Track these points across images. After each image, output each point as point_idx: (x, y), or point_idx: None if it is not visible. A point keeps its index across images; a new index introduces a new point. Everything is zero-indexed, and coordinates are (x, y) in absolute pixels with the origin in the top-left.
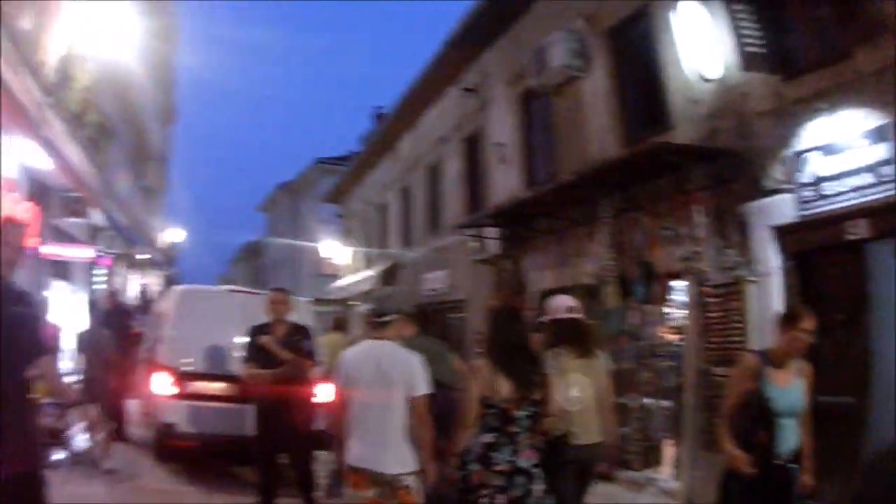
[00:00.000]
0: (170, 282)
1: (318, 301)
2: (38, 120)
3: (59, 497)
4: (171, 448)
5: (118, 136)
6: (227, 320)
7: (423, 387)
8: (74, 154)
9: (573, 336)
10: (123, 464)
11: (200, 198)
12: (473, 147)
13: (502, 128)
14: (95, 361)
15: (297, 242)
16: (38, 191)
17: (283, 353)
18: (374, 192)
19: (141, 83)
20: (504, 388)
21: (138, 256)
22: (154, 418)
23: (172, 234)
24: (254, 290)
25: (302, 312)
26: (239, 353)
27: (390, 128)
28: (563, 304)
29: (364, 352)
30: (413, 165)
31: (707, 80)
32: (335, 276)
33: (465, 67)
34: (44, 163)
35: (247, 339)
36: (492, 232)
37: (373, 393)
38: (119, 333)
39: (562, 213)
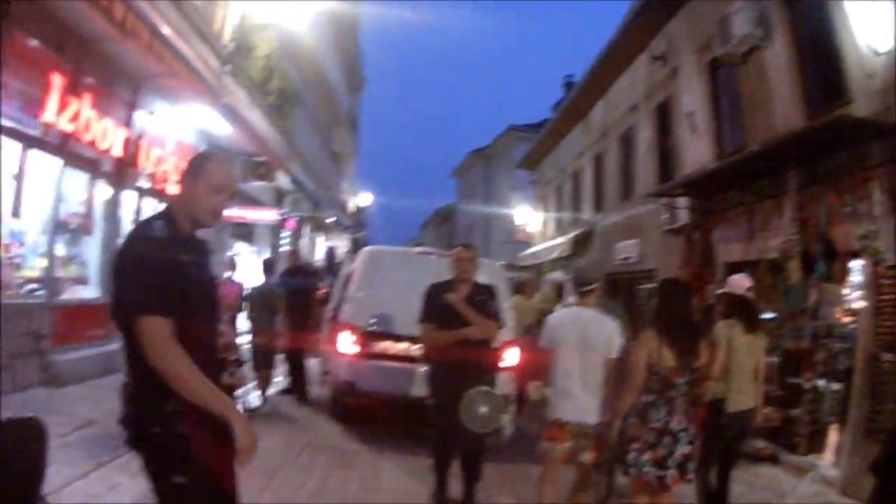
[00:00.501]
0: (357, 245)
1: (510, 267)
2: (217, 88)
3: None
4: (348, 406)
5: (303, 102)
6: (414, 282)
7: (616, 351)
8: (257, 120)
9: (745, 312)
10: (300, 419)
11: (392, 163)
12: (664, 116)
13: (691, 97)
14: (265, 317)
15: (490, 209)
16: (225, 155)
17: (468, 313)
18: (567, 160)
19: (324, 49)
20: (668, 357)
21: (326, 220)
22: (335, 376)
23: (361, 199)
24: (444, 252)
25: (492, 275)
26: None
27: (582, 96)
28: (742, 284)
29: (569, 317)
30: (605, 133)
31: (879, 54)
32: (527, 244)
33: (653, 35)
34: (224, 128)
35: (426, 298)
36: (682, 202)
37: (577, 354)
38: (302, 292)
39: (749, 185)
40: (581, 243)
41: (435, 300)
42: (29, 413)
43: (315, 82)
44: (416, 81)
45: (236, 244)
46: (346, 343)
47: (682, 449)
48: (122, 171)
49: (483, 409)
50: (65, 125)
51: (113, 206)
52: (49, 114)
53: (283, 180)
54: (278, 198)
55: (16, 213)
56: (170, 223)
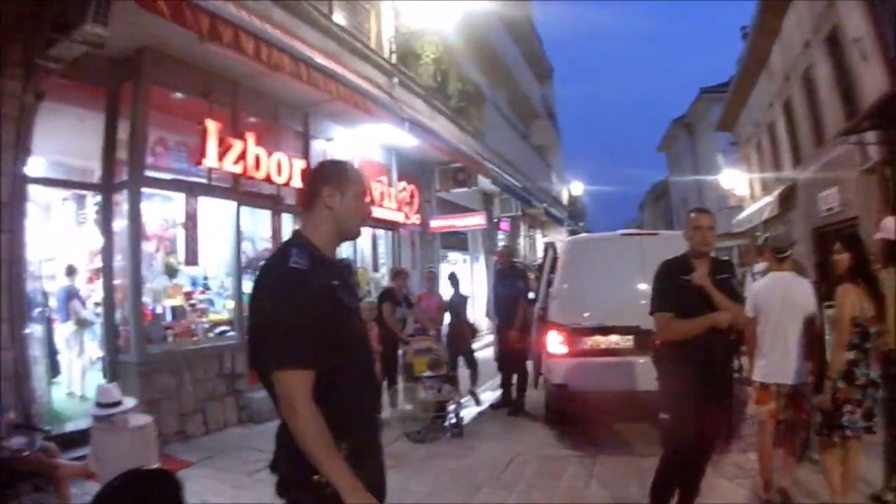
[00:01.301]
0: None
1: (727, 235)
2: (388, 102)
3: (434, 469)
4: (562, 410)
5: (490, 101)
6: (620, 267)
7: (814, 310)
8: (443, 126)
9: None
10: (513, 429)
11: (599, 148)
12: (835, 47)
13: (854, 20)
14: (456, 328)
15: (699, 177)
16: (413, 168)
17: (718, 295)
18: (758, 113)
19: (502, 46)
20: (867, 307)
21: (540, 215)
22: (547, 380)
23: (573, 188)
24: (649, 231)
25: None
26: (635, 301)
27: (758, 42)
28: (891, 227)
29: (771, 283)
30: (787, 77)
31: None
32: (739, 208)
33: None
34: (408, 140)
35: (658, 280)
36: (871, 136)
37: (779, 319)
38: (514, 294)
39: None
40: (787, 199)
41: (669, 282)
42: (224, 450)
43: (500, 79)
44: (601, 63)
45: (449, 254)
46: (555, 343)
47: (880, 393)
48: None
49: None
50: (230, 167)
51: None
52: (210, 159)
53: (485, 183)
54: (486, 201)
55: (190, 262)
56: (307, 249)
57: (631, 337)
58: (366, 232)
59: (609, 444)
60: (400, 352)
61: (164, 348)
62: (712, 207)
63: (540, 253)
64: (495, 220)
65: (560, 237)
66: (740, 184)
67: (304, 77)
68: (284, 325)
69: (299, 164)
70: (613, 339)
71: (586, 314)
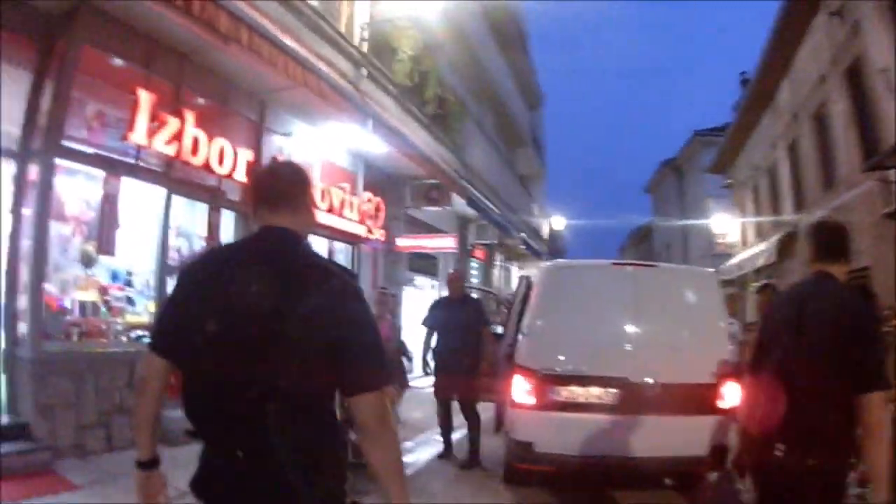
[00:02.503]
0: None
1: None
2: (353, 95)
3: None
4: (523, 472)
5: (474, 117)
6: (608, 304)
7: None
8: (416, 134)
9: None
10: (465, 485)
11: (582, 183)
12: (856, 80)
13: (881, 50)
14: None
15: (686, 221)
16: (382, 180)
17: None
18: (759, 155)
19: (493, 64)
20: None
21: (517, 247)
22: (508, 433)
23: (554, 222)
24: (645, 263)
25: (706, 287)
26: (623, 346)
27: (764, 77)
28: None
29: None
30: (796, 116)
31: None
32: (728, 255)
33: None
34: (376, 146)
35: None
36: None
37: None
38: (463, 322)
39: None
40: (786, 247)
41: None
42: (124, 473)
43: (486, 98)
44: (593, 97)
45: (416, 278)
46: (521, 391)
47: None
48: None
49: None
50: (161, 146)
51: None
52: (138, 134)
53: (461, 205)
54: (461, 226)
55: (104, 250)
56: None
57: (615, 391)
58: (322, 243)
59: None
60: None
61: (65, 347)
62: (699, 254)
63: (513, 286)
64: (469, 246)
65: (537, 272)
66: (732, 229)
67: (264, 55)
68: (377, 343)
69: (246, 156)
70: (594, 392)
71: (561, 358)
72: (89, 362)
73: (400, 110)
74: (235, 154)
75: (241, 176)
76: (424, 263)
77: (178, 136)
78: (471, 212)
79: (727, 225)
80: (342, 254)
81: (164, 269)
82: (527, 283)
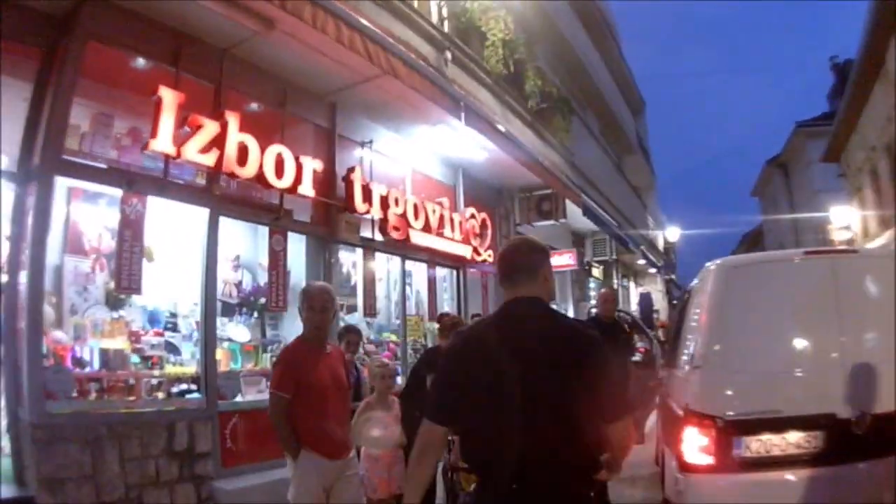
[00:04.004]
0: (671, 288)
1: None
2: (446, 85)
3: None
4: None
5: (580, 118)
6: (804, 310)
7: None
8: (524, 134)
9: None
10: None
11: (687, 192)
12: None
13: None
14: None
15: (798, 216)
16: (485, 194)
17: None
18: (874, 133)
19: (589, 59)
20: None
21: (637, 261)
22: None
23: (669, 234)
24: (844, 248)
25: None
26: (826, 369)
27: (873, 37)
28: None
29: None
30: None
31: None
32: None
33: None
34: (476, 152)
35: None
36: None
37: None
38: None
39: None
40: None
41: None
42: None
43: (589, 100)
44: (689, 102)
45: None
46: (694, 448)
47: None
48: (327, 218)
49: None
50: (196, 155)
51: (319, 265)
52: (162, 141)
53: (574, 219)
54: (575, 242)
55: (124, 287)
56: None
57: (819, 434)
58: (421, 269)
59: None
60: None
61: (77, 407)
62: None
63: (634, 306)
64: (586, 264)
65: (656, 287)
66: (850, 220)
67: (327, 33)
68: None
69: (313, 165)
70: (793, 440)
71: (747, 395)
72: (111, 425)
73: (498, 103)
74: (299, 164)
75: (307, 190)
76: None
77: (218, 143)
78: (586, 226)
79: (844, 216)
80: (446, 281)
81: (211, 307)
82: (685, 296)
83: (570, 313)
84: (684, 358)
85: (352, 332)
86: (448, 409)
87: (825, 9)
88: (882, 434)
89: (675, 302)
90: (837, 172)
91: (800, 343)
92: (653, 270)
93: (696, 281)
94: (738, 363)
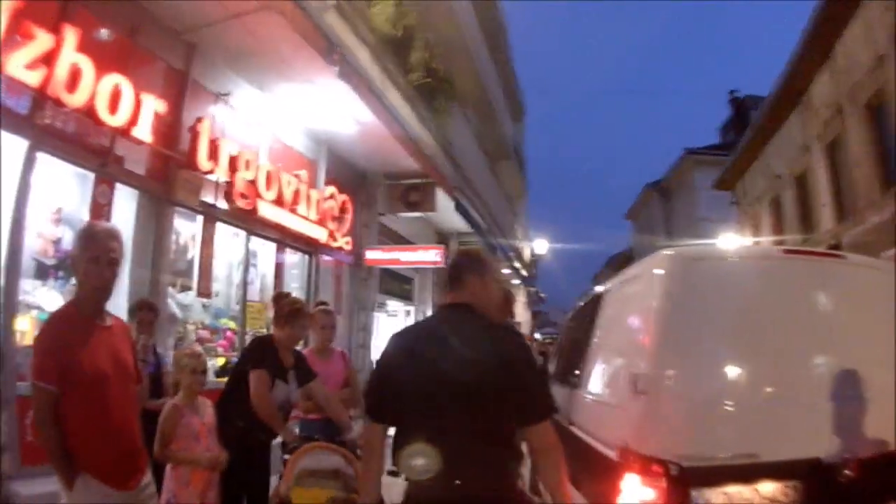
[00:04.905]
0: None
1: None
2: (311, 29)
3: None
4: None
5: (463, 105)
6: (783, 323)
7: None
8: (402, 109)
9: None
10: None
11: (557, 208)
12: None
13: None
14: None
15: (677, 244)
16: (349, 177)
17: None
18: (781, 163)
19: (478, 51)
20: None
21: (503, 270)
22: None
23: (537, 246)
24: (824, 251)
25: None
26: (811, 398)
27: (796, 71)
28: None
29: None
30: (840, 110)
31: None
32: None
33: None
34: (345, 124)
35: None
36: None
37: None
38: None
39: None
40: None
41: None
42: None
43: (473, 94)
44: (572, 117)
45: (389, 302)
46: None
47: None
48: (165, 174)
49: None
50: (19, 72)
51: (151, 230)
52: None
53: (442, 216)
54: (439, 242)
55: None
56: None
57: (796, 484)
58: (270, 251)
59: None
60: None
61: None
62: None
63: None
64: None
65: (520, 299)
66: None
67: None
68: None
69: (155, 106)
70: (767, 493)
71: (711, 433)
72: None
73: (378, 69)
74: (138, 100)
75: (144, 133)
76: (397, 284)
77: (48, 60)
78: (452, 226)
79: (733, 244)
80: (297, 268)
81: (13, 264)
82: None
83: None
84: (599, 379)
85: (146, 309)
86: (380, 407)
87: (724, 42)
88: (875, 482)
89: (536, 312)
90: (723, 200)
91: (776, 365)
92: (517, 282)
93: (620, 277)
94: (698, 389)
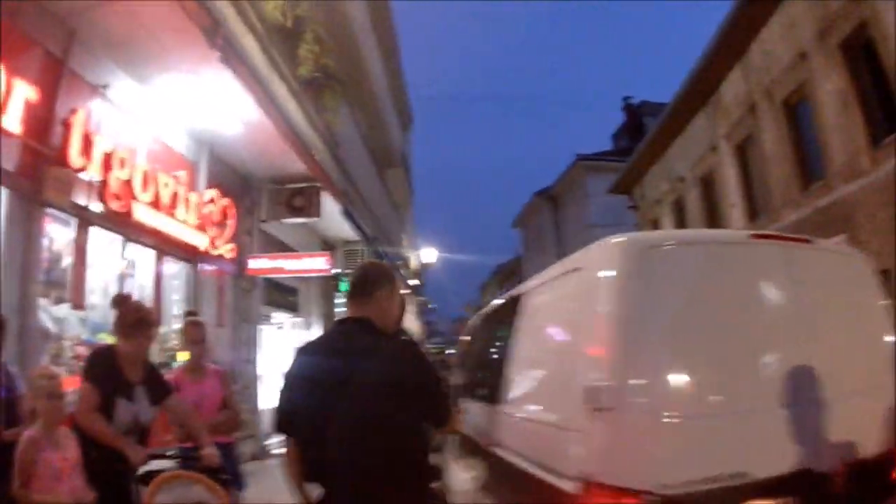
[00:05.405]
0: (422, 309)
1: None
2: (196, 13)
3: None
4: None
5: (350, 105)
6: (756, 317)
7: None
8: (288, 105)
9: None
10: None
11: (444, 217)
12: (854, 52)
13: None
14: None
15: (565, 254)
16: (231, 182)
17: None
18: (687, 164)
19: (369, 52)
20: None
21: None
22: None
23: (425, 255)
24: (795, 237)
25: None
26: (796, 405)
27: (704, 70)
28: None
29: None
30: (752, 108)
31: None
32: None
33: None
34: (229, 125)
35: None
36: None
37: None
38: None
39: None
40: None
41: None
42: None
43: (362, 98)
44: (459, 125)
45: (274, 314)
46: None
47: None
48: (35, 171)
49: None
50: None
51: (19, 234)
52: None
53: (328, 224)
54: (324, 251)
55: None
56: None
57: (791, 501)
58: (148, 260)
59: None
60: None
61: None
62: None
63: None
64: (335, 276)
65: (409, 309)
66: None
67: None
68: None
69: (26, 94)
70: None
71: (693, 454)
72: None
73: (265, 59)
74: (9, 86)
75: (13, 124)
76: (282, 295)
77: None
78: (338, 234)
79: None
80: (177, 278)
81: None
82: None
83: (315, 332)
84: (530, 394)
85: None
86: (286, 421)
87: (619, 48)
88: (865, 486)
89: (427, 322)
90: (616, 207)
91: (753, 366)
92: (405, 291)
93: (546, 275)
94: (671, 400)
